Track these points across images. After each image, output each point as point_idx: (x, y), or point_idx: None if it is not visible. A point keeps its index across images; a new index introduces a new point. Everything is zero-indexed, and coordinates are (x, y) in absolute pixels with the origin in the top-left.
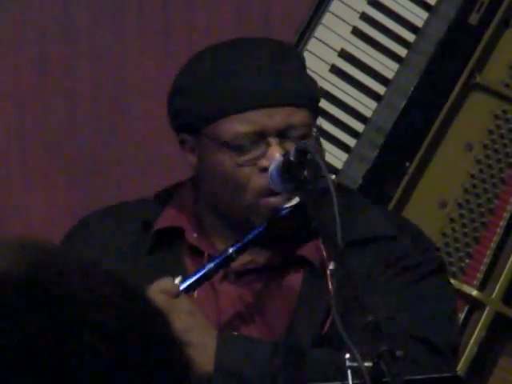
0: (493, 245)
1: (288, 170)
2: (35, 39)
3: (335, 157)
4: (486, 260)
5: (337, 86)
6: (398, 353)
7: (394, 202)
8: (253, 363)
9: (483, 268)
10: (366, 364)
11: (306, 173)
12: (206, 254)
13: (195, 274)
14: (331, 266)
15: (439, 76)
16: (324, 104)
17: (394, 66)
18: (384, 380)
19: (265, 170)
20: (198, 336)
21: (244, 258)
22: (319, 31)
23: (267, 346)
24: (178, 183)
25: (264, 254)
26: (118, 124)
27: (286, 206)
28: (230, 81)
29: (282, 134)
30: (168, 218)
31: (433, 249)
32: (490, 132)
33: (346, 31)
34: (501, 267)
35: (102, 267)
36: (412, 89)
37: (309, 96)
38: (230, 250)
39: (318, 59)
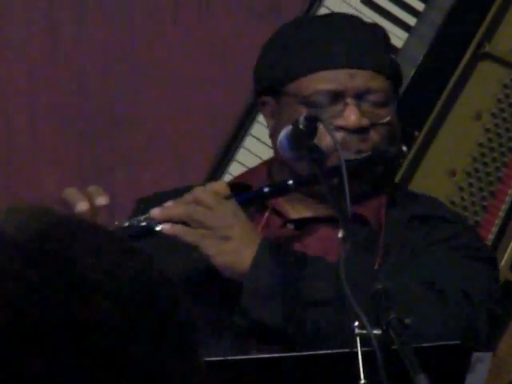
0: (501, 213)
1: (297, 138)
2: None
3: None
4: (495, 229)
5: None
6: (407, 320)
7: (403, 170)
8: (283, 273)
9: (491, 237)
10: (375, 331)
11: (315, 141)
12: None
13: (250, 193)
14: (340, 234)
15: (448, 45)
16: None
17: (403, 34)
18: (393, 348)
19: (339, 129)
20: (238, 234)
21: (303, 211)
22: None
23: (300, 257)
24: (250, 171)
25: (323, 208)
26: (127, 89)
27: (355, 157)
28: (316, 41)
29: (360, 97)
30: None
31: (485, 245)
32: (499, 101)
33: (355, 0)
34: (509, 236)
35: (109, 231)
36: (421, 58)
37: (389, 65)
38: (290, 182)
39: None
